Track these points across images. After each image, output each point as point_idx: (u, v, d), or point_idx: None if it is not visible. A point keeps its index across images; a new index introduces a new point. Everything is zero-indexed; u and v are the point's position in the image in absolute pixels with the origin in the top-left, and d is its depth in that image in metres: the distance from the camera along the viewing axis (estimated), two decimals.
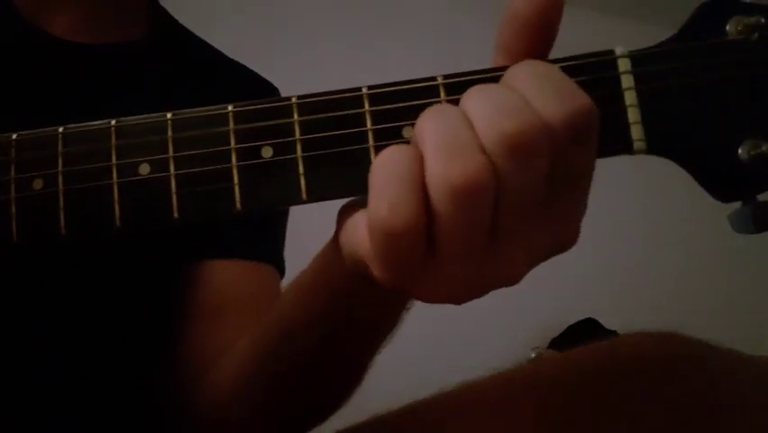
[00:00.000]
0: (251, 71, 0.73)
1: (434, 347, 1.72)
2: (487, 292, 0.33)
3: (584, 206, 0.33)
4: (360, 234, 0.33)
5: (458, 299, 0.33)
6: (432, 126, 0.31)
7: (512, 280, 0.32)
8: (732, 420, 0.37)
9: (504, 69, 0.34)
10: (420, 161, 0.31)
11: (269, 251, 0.66)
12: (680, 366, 0.39)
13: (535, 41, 0.33)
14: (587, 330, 1.87)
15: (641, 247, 2.08)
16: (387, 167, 0.31)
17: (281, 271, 0.67)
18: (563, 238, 0.33)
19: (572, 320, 1.94)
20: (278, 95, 0.69)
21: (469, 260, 0.31)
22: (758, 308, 2.08)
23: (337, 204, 0.36)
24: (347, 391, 0.50)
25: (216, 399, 0.54)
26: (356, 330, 0.43)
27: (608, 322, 1.89)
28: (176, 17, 0.73)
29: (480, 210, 0.30)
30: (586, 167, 0.32)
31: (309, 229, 0.72)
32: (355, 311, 0.41)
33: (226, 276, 0.62)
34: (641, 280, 2.03)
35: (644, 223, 2.09)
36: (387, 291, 0.37)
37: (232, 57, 0.73)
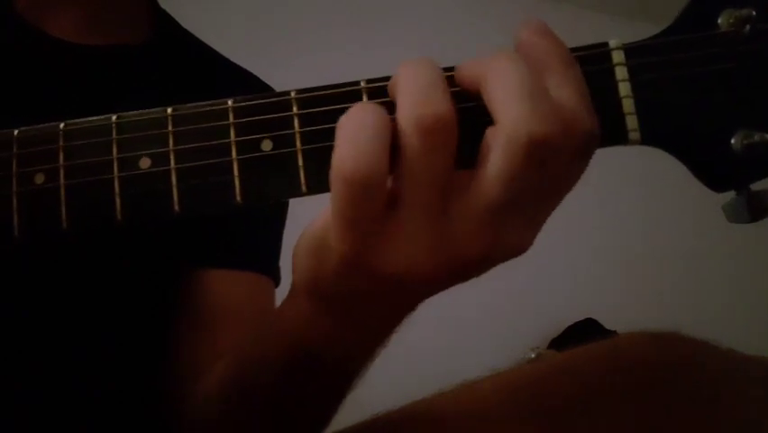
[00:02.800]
0: (251, 74, 0.73)
1: (434, 347, 1.72)
2: (452, 268, 0.33)
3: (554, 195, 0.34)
4: (317, 221, 0.34)
5: (418, 267, 0.33)
6: (410, 73, 0.33)
7: (473, 255, 0.33)
8: (732, 420, 0.37)
9: None
10: (384, 112, 0.32)
11: (265, 261, 0.66)
12: (680, 366, 0.39)
13: None
14: (587, 330, 1.87)
15: (641, 247, 2.08)
16: (352, 118, 0.32)
17: (277, 281, 0.67)
18: (521, 236, 0.34)
19: (572, 320, 1.94)
20: None
21: (427, 214, 0.32)
22: (758, 307, 2.08)
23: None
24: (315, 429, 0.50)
25: (200, 414, 0.55)
26: (317, 372, 0.43)
27: (607, 322, 1.89)
28: (176, 18, 0.73)
29: (443, 153, 0.31)
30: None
31: None
32: (314, 351, 0.41)
33: (220, 286, 0.62)
34: (641, 280, 2.03)
35: (644, 223, 2.09)
36: (343, 331, 0.38)
37: (231, 57, 0.74)
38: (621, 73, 0.35)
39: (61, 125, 0.37)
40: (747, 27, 0.35)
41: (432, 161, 0.32)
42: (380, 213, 0.32)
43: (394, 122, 0.32)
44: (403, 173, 0.32)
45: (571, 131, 0.32)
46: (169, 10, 0.72)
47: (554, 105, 0.32)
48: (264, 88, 0.72)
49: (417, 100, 0.32)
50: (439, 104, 0.31)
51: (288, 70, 1.03)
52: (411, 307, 0.39)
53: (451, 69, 0.35)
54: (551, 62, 0.34)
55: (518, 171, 0.31)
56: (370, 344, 0.42)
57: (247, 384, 0.49)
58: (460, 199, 0.32)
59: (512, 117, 0.31)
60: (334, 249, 0.34)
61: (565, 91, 0.33)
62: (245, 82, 0.72)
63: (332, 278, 0.35)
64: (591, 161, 0.34)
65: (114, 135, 0.36)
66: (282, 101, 0.36)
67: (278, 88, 0.75)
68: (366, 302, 0.37)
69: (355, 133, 0.32)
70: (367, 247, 0.33)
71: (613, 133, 0.35)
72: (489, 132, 0.32)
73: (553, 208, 0.35)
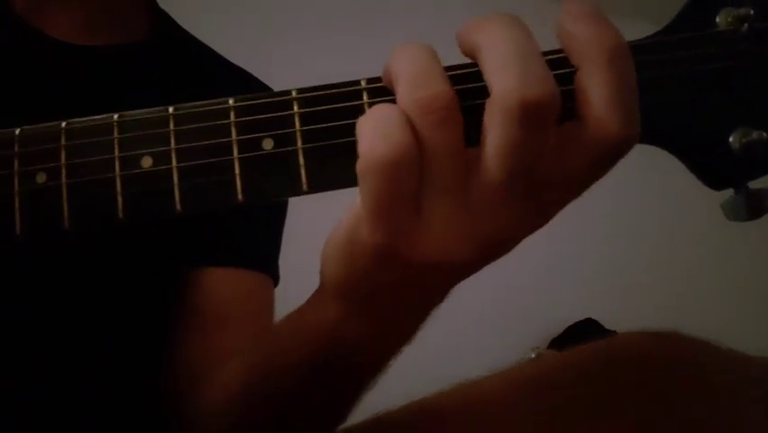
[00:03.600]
0: (251, 75, 0.73)
1: (434, 347, 1.72)
2: (481, 247, 0.34)
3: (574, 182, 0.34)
4: (342, 223, 0.35)
5: (449, 250, 0.33)
6: (403, 58, 0.33)
7: (497, 231, 0.33)
8: (732, 420, 0.37)
9: None
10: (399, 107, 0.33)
11: (263, 260, 0.66)
12: (680, 366, 0.39)
13: None
14: (587, 330, 1.87)
15: (641, 247, 2.08)
16: (372, 113, 0.33)
17: (276, 279, 0.67)
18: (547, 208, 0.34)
19: (572, 320, 1.94)
20: None
21: (451, 194, 0.32)
22: (758, 307, 2.08)
23: (337, 200, 0.37)
24: (331, 427, 0.50)
25: (205, 413, 0.55)
26: (341, 372, 0.44)
27: (607, 322, 1.89)
28: (175, 18, 0.73)
29: (451, 130, 0.32)
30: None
31: (308, 231, 0.72)
32: (341, 353, 0.42)
33: (219, 284, 0.62)
34: (641, 280, 2.03)
35: (644, 223, 2.09)
36: (369, 332, 0.39)
37: (230, 57, 0.74)
38: None
39: (63, 124, 0.37)
40: (745, 26, 0.35)
41: (442, 140, 0.32)
42: (412, 198, 0.33)
43: None
44: (421, 158, 0.32)
45: (592, 131, 0.32)
46: (168, 10, 0.72)
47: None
48: (262, 88, 0.72)
49: (414, 83, 0.32)
50: (435, 84, 0.32)
51: (287, 70, 1.03)
52: (443, 294, 0.39)
53: (454, 67, 0.35)
54: (590, 54, 0.32)
55: (517, 140, 0.31)
56: (399, 339, 0.42)
57: (266, 392, 0.49)
58: (474, 177, 0.33)
59: (502, 85, 0.31)
60: (368, 243, 0.34)
61: (597, 88, 0.32)
62: (244, 82, 0.72)
63: (365, 275, 0.36)
64: None
65: (115, 134, 0.37)
66: (283, 100, 0.36)
67: (277, 88, 0.75)
68: (399, 295, 0.37)
69: (379, 122, 0.32)
70: (401, 235, 0.33)
71: None
72: (487, 104, 0.32)
73: (575, 181, 0.34)
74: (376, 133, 0.32)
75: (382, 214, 0.33)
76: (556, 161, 0.32)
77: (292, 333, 0.46)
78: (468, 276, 0.37)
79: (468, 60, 0.34)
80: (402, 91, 0.33)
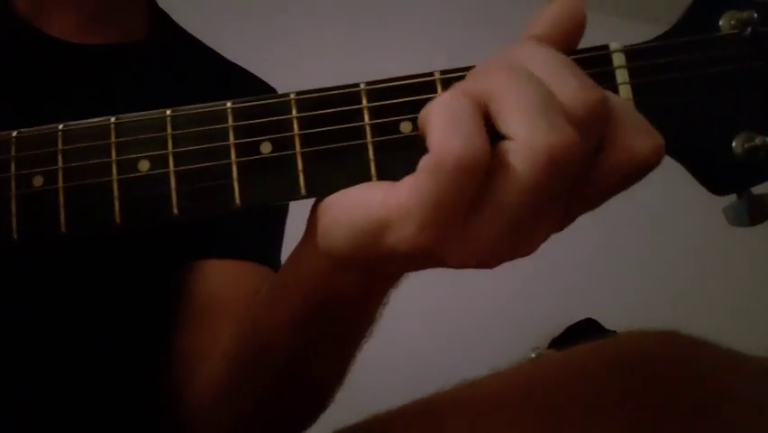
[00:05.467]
0: (251, 74, 0.73)
1: (434, 347, 1.72)
2: (503, 261, 0.33)
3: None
4: (377, 203, 0.33)
5: (483, 263, 0.33)
6: (514, 86, 0.31)
7: (526, 252, 0.33)
8: (731, 420, 0.37)
9: None
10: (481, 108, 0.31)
11: (265, 251, 0.66)
12: (679, 365, 0.39)
13: None
14: (587, 330, 1.88)
15: (641, 247, 2.08)
16: (451, 105, 0.31)
17: (277, 270, 0.67)
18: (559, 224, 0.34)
19: (572, 320, 1.94)
20: None
21: (513, 220, 0.31)
22: (758, 307, 2.08)
23: None
24: (331, 389, 0.49)
25: (202, 401, 0.55)
26: (332, 330, 0.43)
27: (607, 322, 1.89)
28: (174, 18, 0.73)
29: (563, 177, 0.31)
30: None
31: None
32: (330, 310, 0.41)
33: (220, 276, 0.62)
34: (641, 280, 2.03)
35: (644, 223, 2.09)
36: (362, 286, 0.38)
37: (231, 56, 0.74)
38: (622, 76, 0.35)
39: (60, 127, 0.37)
40: (749, 30, 0.35)
41: (545, 190, 0.31)
42: (471, 204, 0.31)
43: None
44: (503, 194, 0.31)
45: (622, 156, 0.32)
46: (167, 10, 0.72)
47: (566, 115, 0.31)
48: (263, 87, 0.72)
49: (545, 125, 0.30)
50: (568, 129, 0.30)
51: (287, 71, 1.03)
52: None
53: (448, 71, 0.35)
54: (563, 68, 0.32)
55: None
56: (385, 293, 0.42)
57: (259, 357, 0.47)
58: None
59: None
60: (408, 241, 0.32)
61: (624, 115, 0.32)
62: (244, 82, 0.72)
63: (380, 260, 0.34)
64: None
65: (112, 138, 0.36)
66: (282, 103, 0.36)
67: (277, 89, 0.75)
68: (400, 272, 0.38)
69: (454, 115, 0.30)
70: (445, 242, 0.32)
71: None
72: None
73: (604, 196, 0.34)
74: (452, 125, 0.30)
75: (437, 217, 0.31)
76: (587, 184, 0.32)
77: (279, 289, 0.44)
78: None
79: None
80: (537, 126, 0.30)
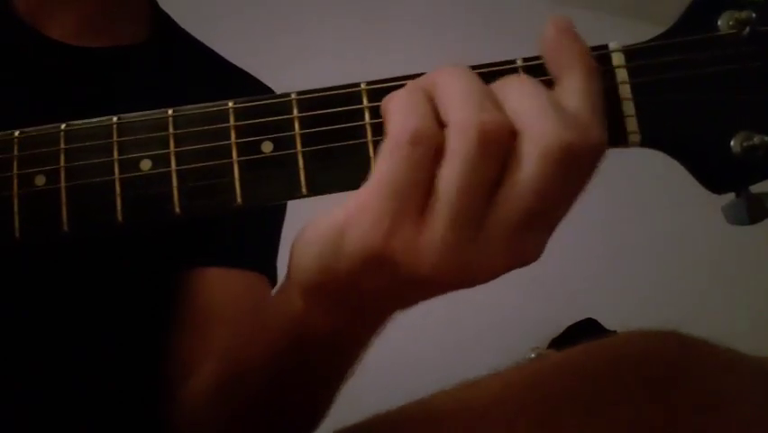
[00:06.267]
0: (251, 76, 0.73)
1: (434, 347, 1.72)
2: (474, 276, 0.34)
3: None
4: (340, 210, 0.34)
5: (443, 273, 0.33)
6: (454, 79, 0.34)
7: (497, 265, 0.33)
8: (731, 419, 0.37)
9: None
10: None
11: (261, 260, 0.66)
12: (679, 365, 0.39)
13: None
14: (587, 330, 1.87)
15: (641, 247, 2.08)
16: (407, 95, 0.34)
17: (273, 279, 0.67)
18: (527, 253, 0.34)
19: (572, 320, 1.94)
20: None
21: (467, 221, 0.32)
22: (758, 307, 2.08)
23: (337, 200, 0.36)
24: (312, 417, 0.49)
25: (190, 413, 0.55)
26: (308, 372, 0.43)
27: (607, 322, 1.89)
28: (175, 18, 0.73)
29: (495, 161, 0.32)
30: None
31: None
32: (305, 350, 0.41)
33: (216, 284, 0.62)
34: (641, 280, 2.03)
35: (644, 223, 2.09)
36: (338, 325, 0.38)
37: (231, 57, 0.74)
38: (621, 75, 0.35)
39: (62, 126, 0.37)
40: (747, 29, 0.35)
41: (482, 169, 0.32)
42: (421, 205, 0.33)
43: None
44: (446, 176, 0.32)
45: (587, 139, 0.32)
46: (168, 10, 0.72)
47: (573, 113, 0.33)
48: (263, 90, 0.72)
49: (476, 105, 0.33)
50: (496, 112, 0.33)
51: (287, 71, 1.03)
52: (415, 304, 0.38)
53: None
54: (573, 67, 0.34)
55: (551, 179, 0.32)
56: (364, 337, 0.41)
57: (235, 384, 0.48)
58: (494, 210, 0.33)
59: (541, 128, 0.32)
60: (361, 244, 0.33)
61: (580, 101, 0.33)
62: (244, 83, 0.72)
63: (347, 279, 0.35)
64: None
65: (114, 137, 0.37)
66: (283, 103, 0.36)
67: (277, 89, 0.75)
68: (374, 301, 0.37)
69: (410, 102, 0.33)
70: (399, 241, 0.32)
71: (613, 136, 0.35)
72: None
73: (563, 216, 0.35)
74: (410, 111, 0.33)
75: (390, 207, 0.32)
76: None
77: (261, 322, 0.45)
78: (445, 294, 0.36)
79: None
80: (462, 107, 0.33)
